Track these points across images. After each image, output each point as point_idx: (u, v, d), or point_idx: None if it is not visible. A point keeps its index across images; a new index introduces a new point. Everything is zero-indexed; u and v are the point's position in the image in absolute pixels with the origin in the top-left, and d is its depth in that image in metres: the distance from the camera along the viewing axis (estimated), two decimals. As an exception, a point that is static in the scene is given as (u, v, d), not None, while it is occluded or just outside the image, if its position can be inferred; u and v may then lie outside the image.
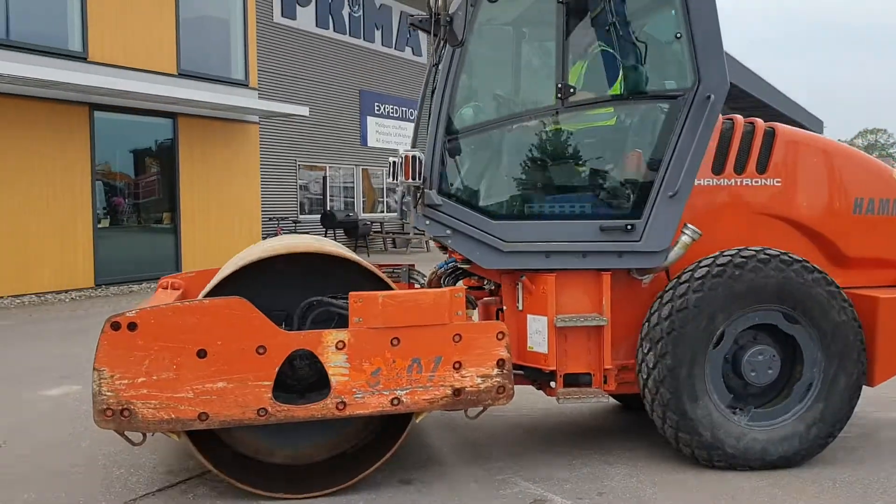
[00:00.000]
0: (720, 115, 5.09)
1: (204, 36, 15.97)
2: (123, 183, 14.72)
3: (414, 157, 4.63)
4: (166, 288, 5.33)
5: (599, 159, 5.13)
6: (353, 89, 23.78)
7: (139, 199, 15.05)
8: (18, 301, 12.28)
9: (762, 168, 5.14)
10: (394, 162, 4.86)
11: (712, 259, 4.70)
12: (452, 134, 4.82)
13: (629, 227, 4.79)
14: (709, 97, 4.75)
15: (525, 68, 5.63)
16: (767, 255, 4.67)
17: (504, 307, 5.03)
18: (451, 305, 4.32)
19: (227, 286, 4.30)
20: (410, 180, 4.65)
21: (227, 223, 16.19)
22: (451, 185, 4.86)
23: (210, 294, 4.27)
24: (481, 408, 4.45)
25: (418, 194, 4.72)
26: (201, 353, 4.04)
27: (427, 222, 4.78)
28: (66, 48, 13.34)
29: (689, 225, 4.85)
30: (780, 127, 5.30)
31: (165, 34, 14.89)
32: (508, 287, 5.00)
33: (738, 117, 5.31)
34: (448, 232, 4.80)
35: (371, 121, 24.61)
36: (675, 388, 4.56)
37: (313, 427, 4.49)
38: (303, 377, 4.37)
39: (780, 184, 5.15)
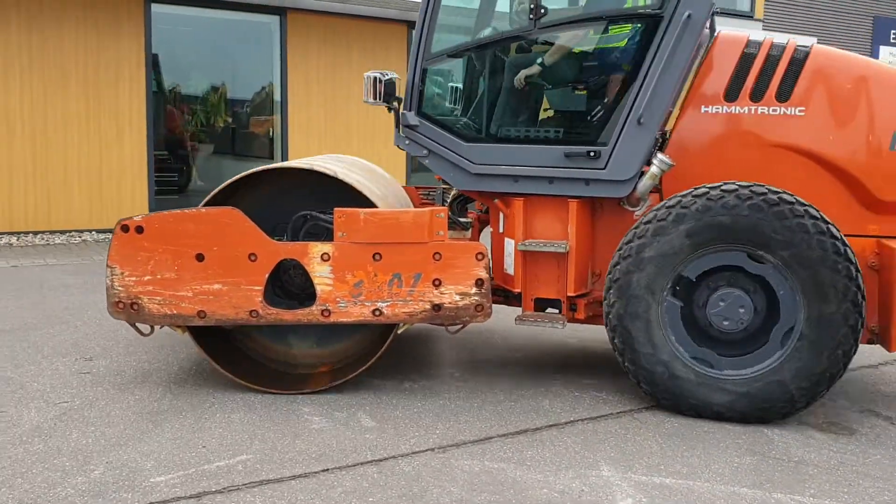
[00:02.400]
0: (745, 36, 4.71)
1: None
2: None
3: (376, 79, 4.75)
4: None
5: (568, 83, 4.89)
6: (865, 16, 21.30)
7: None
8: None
9: (784, 96, 4.51)
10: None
11: (677, 197, 4.29)
12: (431, 55, 4.82)
13: (592, 153, 4.57)
14: (689, 16, 4.36)
15: None
16: (725, 191, 4.17)
17: (492, 229, 5.12)
18: (432, 225, 4.42)
19: (240, 196, 4.68)
20: (374, 100, 4.76)
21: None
22: (429, 106, 4.92)
23: (214, 203, 4.57)
24: (461, 324, 4.53)
25: (398, 115, 4.86)
26: (199, 257, 4.40)
27: (407, 142, 4.91)
28: None
29: (660, 155, 4.49)
30: (818, 48, 4.61)
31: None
32: (494, 210, 5.03)
33: (768, 39, 4.68)
34: (425, 152, 4.88)
35: (885, 51, 21.83)
36: (629, 329, 4.34)
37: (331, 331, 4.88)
38: (302, 286, 4.61)
39: (803, 113, 4.48)
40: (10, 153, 10.08)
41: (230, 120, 12.27)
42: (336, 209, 4.45)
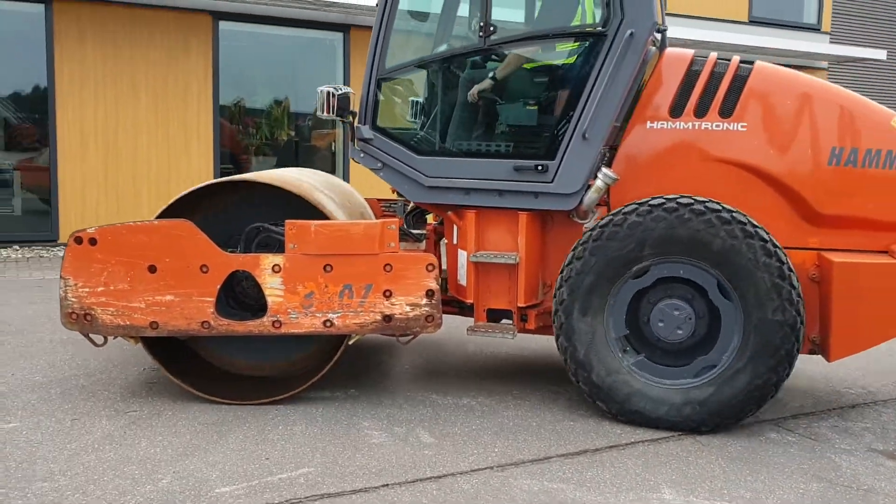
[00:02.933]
0: (691, 53, 4.81)
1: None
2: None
3: (329, 93, 4.86)
4: None
5: (517, 99, 4.91)
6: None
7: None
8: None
9: (727, 111, 4.62)
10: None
11: (617, 210, 4.45)
12: (385, 71, 4.93)
13: (540, 167, 4.68)
14: (631, 34, 4.49)
15: (455, 8, 5.42)
16: (664, 203, 4.33)
17: (446, 241, 5.18)
18: (383, 237, 4.47)
19: (199, 209, 4.78)
20: (328, 114, 4.88)
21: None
22: (383, 120, 4.99)
23: (167, 215, 4.61)
24: (411, 335, 4.58)
25: (353, 129, 4.96)
26: (152, 269, 4.45)
27: (361, 155, 5.00)
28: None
29: (605, 169, 4.60)
30: (760, 66, 4.71)
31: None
32: (448, 222, 5.10)
33: (714, 55, 4.79)
34: (379, 165, 4.97)
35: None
36: (573, 336, 4.48)
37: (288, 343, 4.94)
38: (256, 297, 4.63)
39: (745, 129, 4.58)
40: (83, 164, 10.48)
41: (293, 133, 12.50)
42: (287, 221, 4.49)
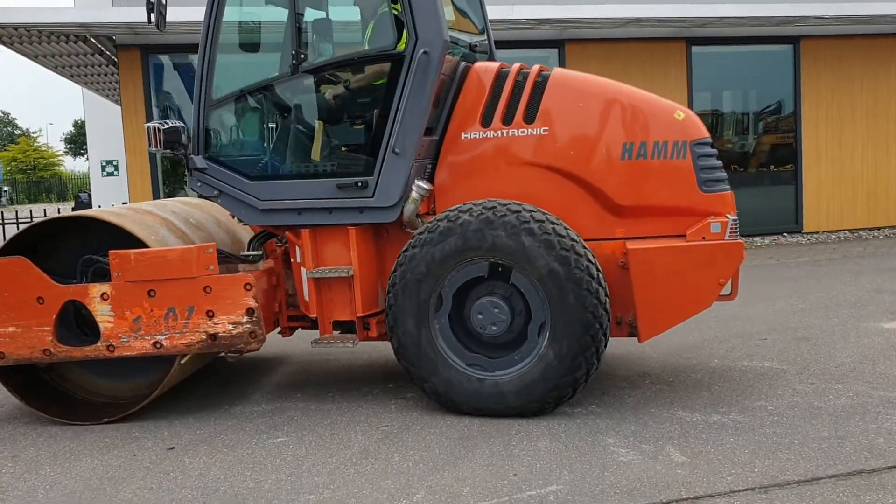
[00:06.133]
0: (496, 65, 5.12)
1: None
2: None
3: (155, 129, 4.94)
4: None
5: (336, 121, 5.24)
6: None
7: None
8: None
9: (530, 118, 4.93)
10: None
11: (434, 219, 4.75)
12: (213, 101, 5.12)
13: (360, 183, 4.93)
14: (426, 53, 4.74)
15: (272, 35, 5.51)
16: (473, 209, 4.65)
17: (293, 260, 5.31)
18: (199, 260, 4.71)
19: (48, 244, 5.10)
20: (156, 149, 4.96)
21: None
22: (215, 149, 5.19)
23: (5, 252, 4.88)
24: (237, 352, 4.86)
25: (187, 159, 5.09)
26: None
27: (198, 184, 5.16)
28: None
29: (418, 181, 4.87)
30: (557, 73, 5.03)
31: None
32: (291, 242, 5.24)
33: (516, 66, 5.09)
34: (216, 192, 5.15)
35: None
36: (404, 338, 4.74)
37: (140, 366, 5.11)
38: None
39: (547, 132, 4.90)
40: (818, 171, 13.28)
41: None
42: (111, 252, 4.74)
